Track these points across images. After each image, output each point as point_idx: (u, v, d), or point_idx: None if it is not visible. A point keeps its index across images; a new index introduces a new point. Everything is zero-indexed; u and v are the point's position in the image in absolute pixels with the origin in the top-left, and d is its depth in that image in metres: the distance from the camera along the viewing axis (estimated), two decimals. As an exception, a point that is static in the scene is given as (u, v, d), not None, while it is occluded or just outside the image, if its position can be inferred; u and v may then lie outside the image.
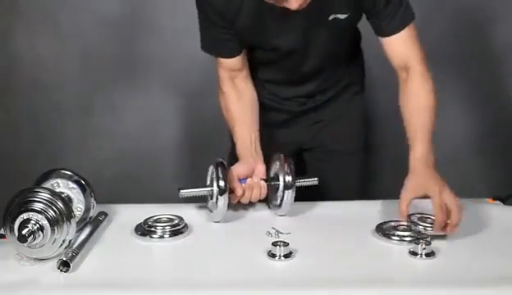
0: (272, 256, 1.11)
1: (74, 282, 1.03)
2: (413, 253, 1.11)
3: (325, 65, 1.44)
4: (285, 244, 1.11)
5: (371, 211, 1.35)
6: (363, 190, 1.62)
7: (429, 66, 1.31)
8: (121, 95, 2.28)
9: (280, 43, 1.35)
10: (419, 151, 1.25)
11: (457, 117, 2.26)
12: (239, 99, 1.42)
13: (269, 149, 1.52)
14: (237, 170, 1.32)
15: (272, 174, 1.35)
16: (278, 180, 1.30)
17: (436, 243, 1.14)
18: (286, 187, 1.27)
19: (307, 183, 1.33)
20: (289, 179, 1.27)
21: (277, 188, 1.30)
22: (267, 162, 1.37)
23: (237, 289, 1.01)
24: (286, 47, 1.36)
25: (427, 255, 1.10)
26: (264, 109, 1.51)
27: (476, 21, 2.18)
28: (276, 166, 1.34)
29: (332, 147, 1.56)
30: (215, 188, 1.24)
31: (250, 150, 1.37)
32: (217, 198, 1.24)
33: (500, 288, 1.00)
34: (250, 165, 1.33)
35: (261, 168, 1.33)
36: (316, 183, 1.34)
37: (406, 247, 1.14)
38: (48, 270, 1.06)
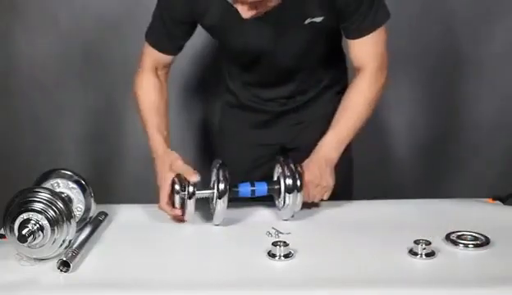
0: (272, 256, 1.11)
1: (74, 282, 1.03)
2: (413, 253, 1.11)
3: (303, 67, 1.46)
4: (285, 244, 1.11)
5: (371, 210, 1.35)
6: (350, 190, 1.62)
7: (386, 70, 1.38)
8: (121, 95, 2.28)
9: (249, 46, 1.37)
10: (324, 147, 1.36)
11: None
12: (160, 89, 1.44)
13: (254, 149, 1.53)
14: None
15: (275, 178, 1.34)
16: (279, 184, 1.29)
17: (436, 243, 1.14)
18: (288, 190, 1.26)
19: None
20: (289, 182, 1.25)
21: (279, 192, 1.29)
22: (257, 164, 1.38)
23: (237, 289, 1.01)
24: (256, 50, 1.37)
25: (427, 255, 1.10)
26: (248, 110, 1.54)
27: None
28: (278, 169, 1.33)
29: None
30: (215, 192, 1.24)
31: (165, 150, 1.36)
32: (216, 201, 1.24)
33: (501, 288, 1.00)
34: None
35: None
36: None
37: (406, 247, 1.14)
38: (48, 270, 1.06)
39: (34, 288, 1.03)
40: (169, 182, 1.27)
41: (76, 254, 1.08)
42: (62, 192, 1.19)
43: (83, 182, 1.22)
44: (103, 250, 1.16)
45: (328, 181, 1.33)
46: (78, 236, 1.14)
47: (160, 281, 1.04)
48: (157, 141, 1.37)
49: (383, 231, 1.24)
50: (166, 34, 1.40)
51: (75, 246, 1.10)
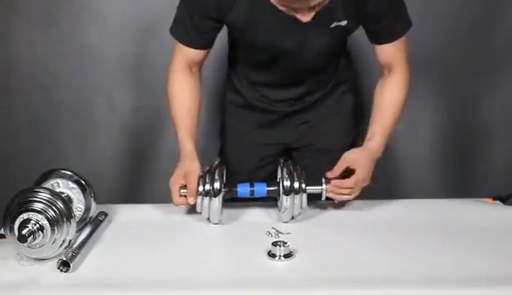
0: (272, 256, 1.11)
1: (74, 282, 1.03)
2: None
3: (317, 69, 1.46)
4: (285, 244, 1.11)
5: (371, 210, 1.35)
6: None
7: (412, 71, 1.42)
8: (121, 95, 2.28)
9: (275, 44, 1.35)
10: (374, 143, 1.37)
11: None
12: (192, 89, 1.41)
13: (259, 149, 1.52)
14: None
15: (277, 180, 1.34)
16: (278, 186, 1.28)
17: (436, 243, 1.14)
18: (285, 192, 1.25)
19: (311, 191, 1.30)
20: (287, 184, 1.25)
21: (279, 194, 1.28)
22: (262, 164, 1.37)
23: (237, 289, 1.01)
24: (281, 49, 1.36)
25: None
26: (255, 110, 1.53)
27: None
28: (278, 171, 1.33)
29: (320, 146, 1.57)
30: (210, 190, 1.23)
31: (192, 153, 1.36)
32: (210, 199, 1.24)
33: (501, 287, 1.00)
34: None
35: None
36: (320, 191, 1.31)
37: (406, 247, 1.14)
38: (48, 270, 1.06)
39: (34, 288, 1.03)
40: (176, 191, 1.28)
41: (76, 254, 1.08)
42: (62, 192, 1.19)
43: (83, 182, 1.22)
44: (103, 250, 1.16)
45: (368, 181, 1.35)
46: (78, 236, 1.14)
47: (160, 281, 1.04)
48: (184, 145, 1.36)
49: (383, 231, 1.24)
50: (195, 28, 1.35)
51: (75, 246, 1.10)
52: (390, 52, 1.38)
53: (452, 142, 2.34)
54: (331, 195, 1.31)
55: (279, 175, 1.32)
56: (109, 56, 2.23)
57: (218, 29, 1.38)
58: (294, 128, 1.56)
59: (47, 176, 1.21)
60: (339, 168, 1.32)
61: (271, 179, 1.39)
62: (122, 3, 2.18)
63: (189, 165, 1.31)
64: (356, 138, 1.62)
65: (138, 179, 2.35)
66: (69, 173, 1.22)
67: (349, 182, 1.30)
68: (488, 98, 2.27)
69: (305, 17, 1.22)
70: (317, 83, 1.51)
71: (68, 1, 2.17)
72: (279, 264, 1.10)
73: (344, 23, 1.30)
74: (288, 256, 1.11)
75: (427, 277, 1.05)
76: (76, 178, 1.22)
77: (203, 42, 1.38)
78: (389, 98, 1.41)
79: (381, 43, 1.37)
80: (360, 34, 1.40)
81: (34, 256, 1.09)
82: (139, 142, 2.33)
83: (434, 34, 2.15)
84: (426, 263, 1.09)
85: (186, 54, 1.39)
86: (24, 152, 2.32)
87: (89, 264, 1.10)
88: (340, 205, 1.36)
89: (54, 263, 1.06)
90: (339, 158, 1.42)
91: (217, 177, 1.24)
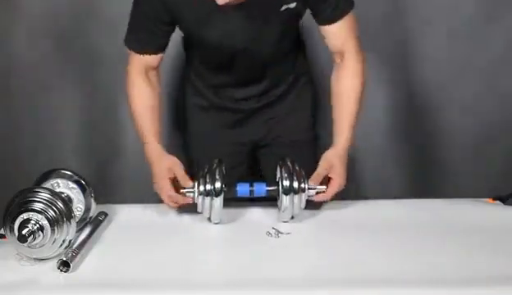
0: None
1: (74, 282, 1.03)
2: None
3: (276, 60, 1.47)
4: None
5: (371, 210, 1.35)
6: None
7: (363, 52, 1.40)
8: (121, 95, 2.27)
9: (225, 38, 1.35)
10: (344, 142, 1.36)
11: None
12: (151, 92, 1.42)
13: (225, 149, 1.51)
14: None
15: (277, 180, 1.34)
16: (277, 186, 1.28)
17: (436, 243, 1.14)
18: (285, 192, 1.25)
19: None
20: (286, 184, 1.24)
21: (278, 194, 1.28)
22: (232, 165, 1.42)
23: (237, 289, 1.01)
24: (232, 42, 1.36)
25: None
26: (219, 111, 1.53)
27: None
28: (278, 171, 1.32)
29: (287, 139, 1.57)
30: (212, 189, 1.23)
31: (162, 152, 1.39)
32: (212, 199, 1.24)
33: (501, 287, 1.00)
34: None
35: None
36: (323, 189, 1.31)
37: (406, 247, 1.14)
38: (48, 270, 1.06)
39: (34, 288, 1.03)
40: (166, 191, 1.29)
41: (76, 254, 1.08)
42: (62, 192, 1.19)
43: (83, 182, 1.22)
44: (103, 250, 1.16)
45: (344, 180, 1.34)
46: (78, 236, 1.14)
47: (160, 281, 1.04)
48: (154, 145, 1.39)
49: (383, 231, 1.24)
50: (147, 34, 1.38)
51: (75, 246, 1.10)
52: (340, 35, 1.37)
53: (452, 143, 2.33)
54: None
55: (278, 175, 1.32)
56: (109, 56, 2.23)
57: (171, 33, 1.40)
58: (261, 125, 1.56)
59: (47, 176, 1.21)
60: (319, 176, 1.31)
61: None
62: (122, 3, 2.18)
63: (169, 160, 1.34)
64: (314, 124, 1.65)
65: (138, 179, 2.35)
66: (69, 173, 1.22)
67: (329, 195, 1.31)
68: (488, 98, 2.27)
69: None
70: (278, 77, 1.51)
71: (68, 1, 2.18)
72: (279, 264, 1.10)
73: (293, 5, 1.31)
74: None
75: (427, 277, 1.05)
76: (76, 178, 1.22)
77: (156, 47, 1.41)
78: (347, 87, 1.39)
79: (329, 23, 1.36)
80: (309, 19, 1.41)
81: (34, 256, 1.09)
82: (139, 142, 2.33)
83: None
84: (426, 263, 1.09)
85: (142, 60, 1.41)
86: (24, 152, 2.32)
87: (89, 264, 1.10)
88: (318, 205, 1.36)
89: (54, 263, 1.06)
90: (308, 150, 1.49)
91: (217, 176, 1.24)
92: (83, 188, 1.22)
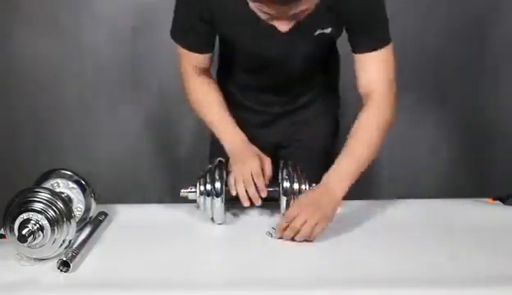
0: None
1: (74, 282, 1.03)
2: None
3: (305, 74, 1.46)
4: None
5: (371, 210, 1.35)
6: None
7: (397, 91, 1.30)
8: (121, 95, 2.28)
9: (261, 53, 1.35)
10: (335, 176, 1.25)
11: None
12: (214, 87, 1.41)
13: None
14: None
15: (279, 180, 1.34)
16: (278, 187, 1.28)
17: (436, 243, 1.14)
18: (285, 193, 1.24)
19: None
20: (286, 185, 1.24)
21: (279, 195, 1.27)
22: None
23: (237, 289, 1.01)
24: (268, 57, 1.36)
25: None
26: (246, 111, 1.52)
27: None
28: (279, 172, 1.32)
29: (305, 144, 1.57)
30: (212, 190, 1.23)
31: (249, 145, 1.36)
32: (212, 199, 1.24)
33: (501, 287, 1.00)
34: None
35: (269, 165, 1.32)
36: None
37: (406, 247, 1.14)
38: (48, 270, 1.06)
39: (34, 288, 1.02)
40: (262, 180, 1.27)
41: (76, 254, 1.08)
42: (62, 192, 1.18)
43: (83, 182, 1.22)
44: (103, 250, 1.16)
45: (322, 213, 1.19)
46: (78, 236, 1.14)
47: (160, 281, 1.04)
48: (238, 136, 1.37)
49: (383, 231, 1.24)
50: (196, 32, 1.33)
51: (75, 246, 1.10)
52: (370, 70, 1.29)
53: (452, 143, 2.34)
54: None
55: (279, 176, 1.32)
56: (109, 56, 2.23)
57: (212, 33, 1.35)
58: (285, 128, 1.57)
59: (47, 176, 1.21)
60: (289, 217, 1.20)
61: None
62: (122, 4, 2.18)
63: (254, 148, 1.34)
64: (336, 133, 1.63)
65: (137, 179, 2.36)
66: (69, 173, 1.22)
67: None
68: (488, 98, 2.28)
69: (284, 26, 1.13)
70: (307, 86, 1.51)
71: (68, 1, 2.18)
72: (279, 264, 1.10)
73: (328, 30, 1.29)
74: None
75: (427, 277, 1.05)
76: (76, 178, 1.22)
77: (204, 44, 1.36)
78: (363, 131, 1.28)
79: (360, 52, 1.29)
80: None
81: (34, 256, 1.09)
82: (139, 142, 2.33)
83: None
84: (426, 263, 1.09)
85: (193, 59, 1.37)
86: (24, 152, 2.32)
87: (89, 264, 1.10)
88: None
89: (54, 263, 1.06)
90: (318, 157, 1.48)
91: (217, 177, 1.24)
92: (83, 188, 1.22)
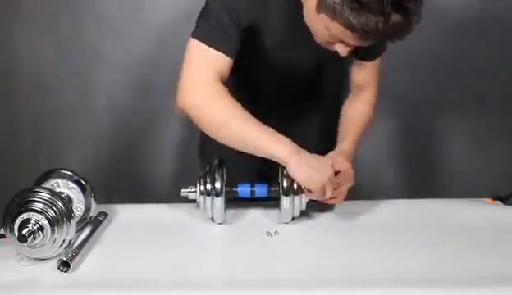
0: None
1: (74, 282, 1.03)
2: None
3: (324, 81, 1.50)
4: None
5: (371, 211, 1.35)
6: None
7: (379, 96, 1.47)
8: (120, 95, 2.28)
9: (290, 62, 1.35)
10: (346, 143, 1.38)
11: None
12: (235, 100, 1.30)
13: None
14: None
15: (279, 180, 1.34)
16: (278, 186, 1.27)
17: (436, 243, 1.14)
18: (285, 193, 1.24)
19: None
20: (286, 185, 1.23)
21: (279, 195, 1.27)
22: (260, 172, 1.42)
23: (237, 289, 1.01)
24: (295, 66, 1.37)
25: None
26: (257, 115, 1.51)
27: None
28: (279, 172, 1.32)
29: (321, 147, 1.56)
30: (212, 190, 1.23)
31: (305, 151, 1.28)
32: (212, 199, 1.23)
33: (501, 287, 1.00)
34: None
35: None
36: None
37: (406, 248, 1.14)
38: (48, 270, 1.06)
39: (34, 288, 1.02)
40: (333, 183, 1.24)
41: (76, 254, 1.08)
42: (62, 192, 1.18)
43: (83, 182, 1.22)
44: (103, 250, 1.16)
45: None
46: (78, 236, 1.14)
47: (160, 281, 1.04)
48: (285, 140, 1.23)
49: (383, 231, 1.24)
50: (226, 34, 1.21)
51: (75, 246, 1.10)
52: (369, 72, 1.42)
53: (452, 143, 2.34)
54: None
55: (279, 175, 1.32)
56: (109, 56, 2.23)
57: (240, 38, 1.23)
58: (301, 130, 1.55)
59: (47, 176, 1.21)
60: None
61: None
62: (122, 4, 2.18)
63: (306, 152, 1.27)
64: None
65: (138, 179, 2.36)
66: (69, 173, 1.22)
67: (339, 198, 1.29)
68: (489, 99, 2.28)
69: (345, 51, 1.16)
70: (322, 94, 1.55)
71: (68, 1, 2.18)
72: (279, 263, 1.10)
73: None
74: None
75: (427, 277, 1.05)
76: (76, 178, 1.22)
77: (233, 48, 1.22)
78: (359, 111, 1.44)
79: (364, 60, 1.40)
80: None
81: (34, 256, 1.09)
82: (139, 142, 2.33)
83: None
84: (426, 263, 1.09)
85: (218, 63, 1.21)
86: (24, 152, 2.32)
87: (89, 264, 1.10)
88: (326, 205, 1.32)
89: (54, 263, 1.06)
90: None
91: (217, 177, 1.24)
92: (83, 188, 1.22)
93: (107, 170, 2.31)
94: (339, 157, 1.32)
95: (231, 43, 1.22)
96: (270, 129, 1.24)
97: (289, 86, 1.46)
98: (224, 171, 1.26)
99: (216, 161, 1.30)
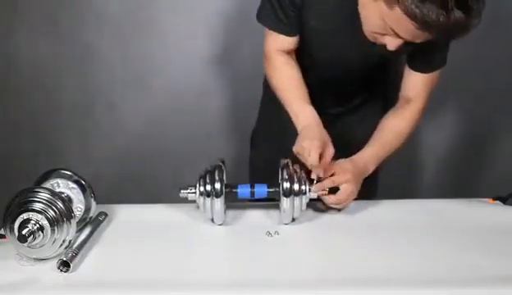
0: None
1: (74, 282, 1.03)
2: None
3: (368, 78, 1.50)
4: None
5: (371, 211, 1.35)
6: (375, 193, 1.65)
7: (424, 110, 1.42)
8: (121, 95, 2.28)
9: (337, 55, 1.37)
10: (367, 155, 1.37)
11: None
12: (293, 69, 1.40)
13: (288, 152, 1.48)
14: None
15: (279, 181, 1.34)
16: (278, 187, 1.27)
17: (436, 243, 1.14)
18: (285, 194, 1.24)
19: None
20: (287, 186, 1.24)
21: (279, 196, 1.27)
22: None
23: (237, 289, 1.01)
24: (340, 60, 1.38)
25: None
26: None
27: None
28: (280, 173, 1.32)
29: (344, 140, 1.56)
30: (212, 191, 1.23)
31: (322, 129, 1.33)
32: (212, 200, 1.23)
33: (501, 288, 1.00)
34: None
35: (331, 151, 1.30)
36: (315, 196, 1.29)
37: (406, 248, 1.14)
38: (48, 270, 1.06)
39: (34, 288, 1.02)
40: (318, 146, 1.25)
41: (76, 254, 1.08)
42: (62, 192, 1.18)
43: (83, 182, 1.22)
44: (103, 250, 1.16)
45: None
46: (78, 236, 1.14)
47: (160, 281, 1.04)
48: (308, 111, 1.35)
49: (383, 231, 1.24)
50: (282, 15, 1.34)
51: (75, 246, 1.10)
52: (417, 85, 1.38)
53: (452, 143, 2.34)
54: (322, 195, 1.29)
55: (279, 177, 1.32)
56: (109, 56, 2.23)
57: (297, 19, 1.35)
58: (341, 127, 1.57)
59: (47, 176, 1.21)
60: (322, 185, 1.28)
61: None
62: (122, 3, 2.18)
63: (322, 132, 1.31)
64: None
65: (138, 179, 2.36)
66: (69, 173, 1.22)
67: (339, 203, 1.30)
68: (489, 99, 2.28)
69: (394, 45, 1.17)
70: (364, 90, 1.56)
71: (68, 1, 2.18)
72: (279, 264, 1.10)
73: None
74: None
75: (427, 277, 1.05)
76: (76, 178, 1.22)
77: (293, 28, 1.36)
78: (397, 127, 1.40)
79: (416, 71, 1.37)
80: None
81: (34, 256, 1.09)
82: (138, 142, 2.33)
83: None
84: (426, 263, 1.09)
85: (280, 42, 1.38)
86: (24, 152, 2.32)
87: (89, 264, 1.10)
88: (329, 208, 1.34)
89: (54, 263, 1.06)
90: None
91: (217, 177, 1.24)
92: (83, 188, 1.22)
93: (106, 170, 2.32)
94: (346, 163, 1.32)
95: (284, 22, 1.34)
96: (306, 100, 1.35)
97: (333, 82, 1.46)
98: (224, 172, 1.26)
99: (216, 161, 1.30)
